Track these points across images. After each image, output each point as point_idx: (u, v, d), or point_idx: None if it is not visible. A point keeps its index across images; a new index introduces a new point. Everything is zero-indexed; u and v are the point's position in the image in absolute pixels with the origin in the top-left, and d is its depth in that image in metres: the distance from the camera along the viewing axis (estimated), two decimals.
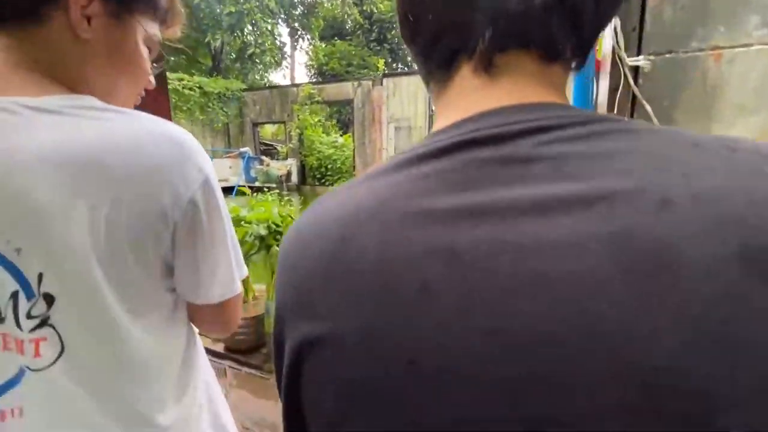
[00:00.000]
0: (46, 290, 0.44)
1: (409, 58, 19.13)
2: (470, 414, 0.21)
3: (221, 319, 0.61)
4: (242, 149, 12.42)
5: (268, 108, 13.69)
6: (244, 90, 14.06)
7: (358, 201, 0.28)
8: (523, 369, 0.20)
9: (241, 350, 1.03)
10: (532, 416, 0.20)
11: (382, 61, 12.39)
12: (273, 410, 1.01)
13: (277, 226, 0.93)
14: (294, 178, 13.35)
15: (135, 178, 0.44)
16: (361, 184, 0.30)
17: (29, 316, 0.44)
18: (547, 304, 0.20)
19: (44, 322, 0.45)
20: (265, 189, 9.96)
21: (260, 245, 0.90)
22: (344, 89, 12.25)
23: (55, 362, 0.46)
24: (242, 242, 0.91)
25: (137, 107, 0.55)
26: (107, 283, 0.46)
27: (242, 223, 0.97)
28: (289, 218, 0.96)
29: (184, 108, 12.12)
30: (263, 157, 12.69)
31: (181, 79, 11.95)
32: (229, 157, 12.99)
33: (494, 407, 0.20)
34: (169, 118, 1.02)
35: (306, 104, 12.61)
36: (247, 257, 0.92)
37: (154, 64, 0.58)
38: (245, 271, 0.63)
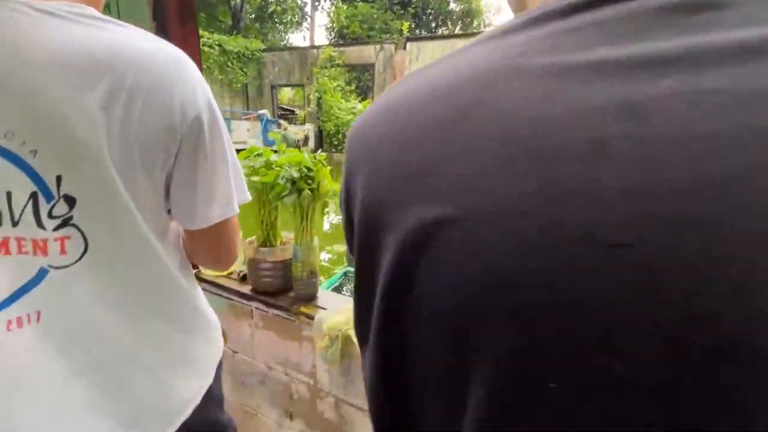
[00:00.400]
0: (66, 192, 0.45)
1: (433, 24, 18.28)
2: (656, 298, 0.17)
3: (219, 244, 0.62)
4: (260, 111, 12.34)
5: (287, 70, 13.44)
6: (264, 50, 13.79)
7: (482, 61, 0.23)
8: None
9: (268, 292, 1.06)
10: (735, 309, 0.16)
11: (406, 25, 11.89)
12: (297, 351, 1.04)
13: (309, 170, 0.92)
14: (311, 144, 13.29)
15: (144, 87, 0.45)
16: (474, 48, 0.25)
17: (51, 216, 0.45)
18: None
19: (66, 222, 0.46)
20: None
21: (292, 188, 0.89)
22: (365, 53, 11.87)
23: (80, 259, 0.47)
24: (274, 185, 0.91)
25: None
26: (124, 188, 0.47)
27: (273, 166, 0.96)
28: (321, 164, 0.95)
29: (204, 66, 11.96)
30: (281, 121, 12.61)
31: (201, 36, 11.76)
32: (247, 119, 12.96)
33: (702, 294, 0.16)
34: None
35: (326, 67, 12.32)
36: (278, 199, 0.92)
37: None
38: (248, 196, 0.63)
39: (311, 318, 0.98)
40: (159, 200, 0.53)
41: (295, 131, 12.44)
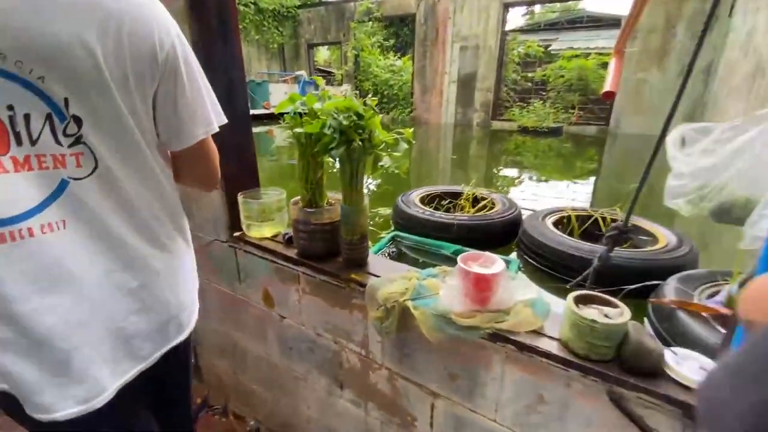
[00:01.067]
0: (73, 113, 0.52)
1: None
2: None
3: (205, 162, 0.72)
4: (297, 72, 12.18)
5: (323, 27, 12.99)
6: (299, 6, 13.36)
7: None
8: None
9: (314, 257, 0.99)
10: None
11: None
12: (347, 318, 0.98)
13: (359, 117, 0.80)
14: None
15: (128, 22, 0.52)
16: None
17: (65, 134, 0.53)
18: None
19: (78, 140, 0.54)
20: None
21: (340, 139, 0.78)
22: (405, 2, 11.12)
23: (92, 173, 0.56)
24: (320, 135, 0.80)
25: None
26: (126, 110, 0.56)
27: (319, 114, 0.84)
28: (372, 110, 0.82)
29: (240, 27, 11.87)
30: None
31: None
32: (284, 81, 12.86)
33: None
34: (237, 37, 1.04)
35: (363, 21, 11.74)
36: (325, 152, 0.81)
37: None
38: (224, 118, 0.70)
39: (362, 285, 0.89)
40: (152, 124, 0.61)
41: (334, 92, 12.20)
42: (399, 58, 13.81)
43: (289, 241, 1.08)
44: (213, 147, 0.73)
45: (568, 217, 2.81)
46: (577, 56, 10.96)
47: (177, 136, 0.64)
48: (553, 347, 0.68)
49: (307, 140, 0.86)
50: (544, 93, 11.46)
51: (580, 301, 0.68)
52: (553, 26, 14.02)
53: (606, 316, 0.65)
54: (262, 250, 1.10)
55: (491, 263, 0.77)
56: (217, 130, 0.68)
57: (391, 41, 15.00)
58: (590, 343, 0.63)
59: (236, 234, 1.16)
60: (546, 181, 5.39)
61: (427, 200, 3.32)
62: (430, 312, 0.75)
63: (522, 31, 13.28)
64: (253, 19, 12.13)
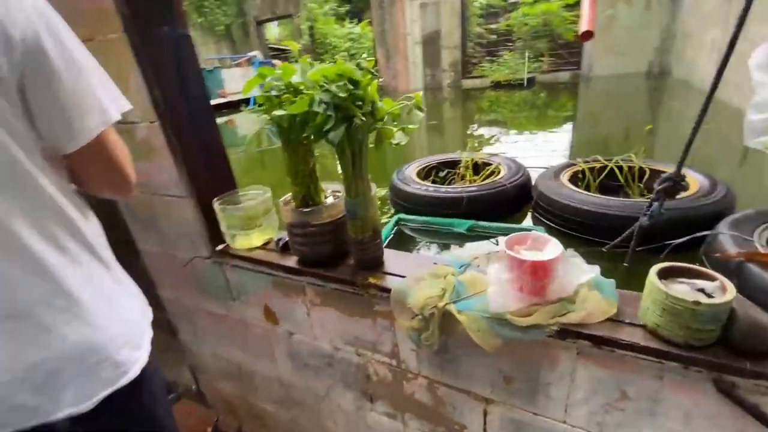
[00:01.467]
0: None
1: None
2: None
3: (108, 162, 0.60)
4: (251, 53, 11.51)
5: (270, 0, 12.19)
6: None
7: None
8: None
9: (319, 263, 0.85)
10: None
11: None
12: (369, 328, 0.85)
13: (354, 86, 0.63)
14: None
15: None
16: None
17: None
18: None
19: None
20: None
21: (336, 117, 0.61)
22: None
23: None
24: (309, 115, 0.63)
25: None
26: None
27: (302, 89, 0.67)
28: (369, 74, 0.66)
29: None
30: (275, 61, 11.76)
31: None
32: (237, 65, 12.16)
33: None
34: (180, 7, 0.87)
35: None
36: (320, 137, 0.64)
37: None
38: (125, 103, 0.60)
39: (385, 291, 0.76)
40: (24, 122, 0.51)
41: None
42: (356, 24, 13.21)
43: (284, 248, 0.93)
44: (118, 143, 0.62)
45: (582, 171, 2.56)
46: (538, 1, 10.72)
47: (66, 133, 0.53)
48: (637, 336, 0.57)
49: (292, 124, 0.69)
50: (510, 44, 11.24)
51: (662, 275, 0.57)
52: None
53: (703, 291, 0.53)
54: (253, 262, 0.95)
55: (542, 244, 0.65)
56: (118, 118, 0.58)
57: (346, 6, 14.31)
58: (691, 328, 0.52)
59: (219, 248, 1.00)
60: (532, 132, 5.31)
61: (424, 174, 3.07)
62: (479, 315, 0.63)
63: None
64: (192, 1, 11.25)
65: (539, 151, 4.48)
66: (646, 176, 2.33)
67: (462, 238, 2.15)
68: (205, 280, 1.10)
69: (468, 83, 10.44)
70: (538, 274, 0.61)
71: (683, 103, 5.59)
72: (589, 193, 2.20)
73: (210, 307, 1.16)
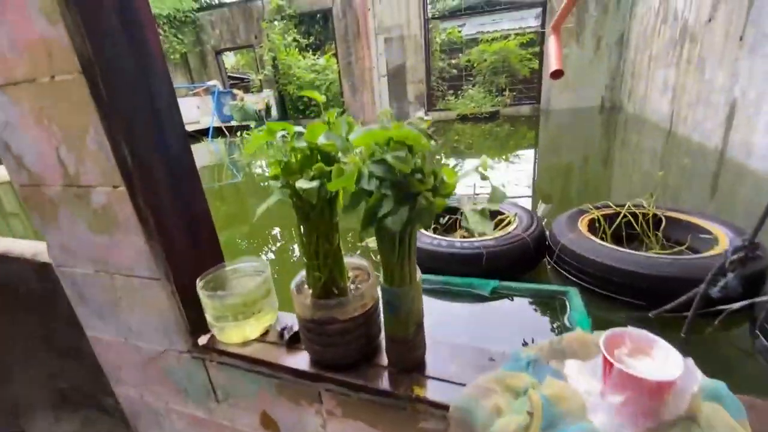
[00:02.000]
0: None
1: None
2: None
3: None
4: (209, 83, 11.24)
5: (230, 30, 12.12)
6: (198, 10, 12.32)
7: None
8: None
9: (342, 365, 0.67)
10: None
11: None
12: None
13: (411, 153, 0.49)
14: (274, 112, 12.34)
15: None
16: None
17: None
18: None
19: None
20: (237, 129, 9.08)
21: (394, 195, 0.46)
22: None
23: None
24: (357, 194, 0.48)
25: None
26: None
27: (334, 157, 0.52)
28: (427, 137, 0.52)
29: None
30: (235, 91, 11.54)
31: None
32: (195, 94, 11.82)
33: None
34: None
35: (275, 20, 11.13)
36: (371, 221, 0.48)
37: None
38: None
39: (439, 407, 0.59)
40: None
41: (254, 101, 11.49)
42: (319, 56, 13.40)
43: (293, 340, 0.74)
44: None
45: (597, 219, 2.36)
46: (495, 39, 11.45)
47: None
48: None
49: (323, 201, 0.53)
50: (471, 78, 11.83)
51: None
52: (471, 11, 14.56)
53: None
54: (248, 361, 0.75)
55: (647, 346, 0.52)
56: None
57: (310, 38, 14.52)
58: None
59: (202, 341, 0.79)
60: (499, 160, 5.44)
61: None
62: None
63: (440, 17, 13.60)
64: None
65: (508, 178, 4.57)
66: (663, 225, 2.27)
67: (479, 299, 1.98)
68: (180, 375, 0.87)
69: (435, 115, 10.76)
70: (662, 395, 0.48)
71: (638, 136, 5.99)
72: (624, 249, 1.92)
73: (185, 408, 0.92)
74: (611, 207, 2.42)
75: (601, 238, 2.24)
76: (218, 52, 12.74)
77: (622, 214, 2.29)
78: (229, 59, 22.03)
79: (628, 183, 4.18)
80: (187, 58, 12.56)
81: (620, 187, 4.10)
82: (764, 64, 3.36)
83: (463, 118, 9.63)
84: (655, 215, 2.25)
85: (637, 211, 2.29)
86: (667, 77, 5.80)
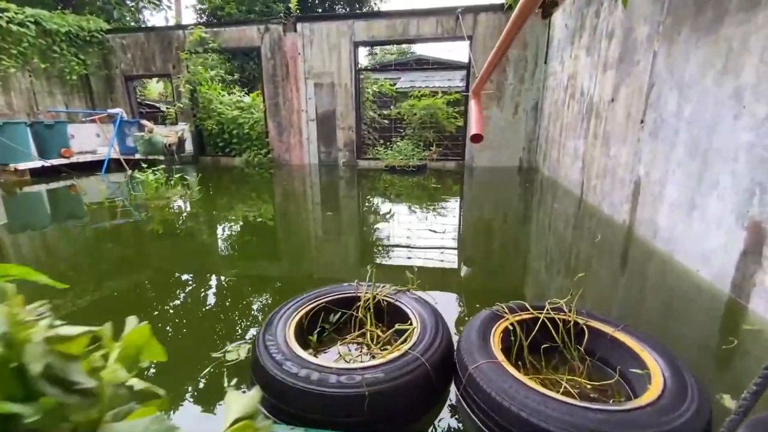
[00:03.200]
0: None
1: (319, 8, 17.25)
2: None
3: None
4: (113, 110, 9.96)
5: (144, 56, 11.10)
6: (108, 31, 11.19)
7: None
8: None
9: None
10: None
11: (294, 1, 10.66)
12: None
13: None
14: (188, 147, 11.27)
15: None
16: None
17: None
18: None
19: None
20: (142, 163, 7.96)
21: None
22: (247, 34, 10.35)
23: None
24: None
25: None
26: None
27: None
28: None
29: (14, 51, 9.12)
30: (143, 121, 10.36)
31: (5, 10, 8.88)
32: (92, 121, 10.40)
33: None
34: None
35: (197, 52, 10.44)
36: None
37: None
38: None
39: None
40: None
41: (165, 133, 10.39)
42: (246, 93, 12.82)
43: None
44: None
45: (513, 329, 1.86)
46: (425, 96, 11.95)
47: None
48: None
49: None
50: (402, 130, 12.07)
51: None
52: (401, 68, 15.27)
53: None
54: None
55: None
56: None
57: (235, 75, 13.93)
58: None
59: None
60: (424, 210, 5.23)
61: (309, 320, 2.03)
62: None
63: (373, 69, 14.01)
64: (35, 43, 9.51)
65: (430, 231, 4.29)
66: (586, 337, 1.98)
67: None
68: None
69: (363, 163, 10.59)
70: None
71: (553, 198, 6.24)
72: (546, 392, 1.42)
73: None
74: (528, 310, 2.06)
75: (517, 357, 1.81)
76: (129, 78, 11.55)
77: (540, 321, 1.94)
78: (158, 87, 20.41)
79: (545, 249, 4.10)
80: (89, 80, 11.17)
81: (539, 254, 4.00)
82: (665, 147, 3.52)
83: (392, 169, 9.56)
84: (576, 323, 1.94)
85: (556, 317, 1.96)
86: (577, 147, 6.17)
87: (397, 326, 2.01)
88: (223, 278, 3.32)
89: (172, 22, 18.87)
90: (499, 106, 9.28)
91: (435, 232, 4.53)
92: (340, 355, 1.99)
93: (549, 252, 3.91)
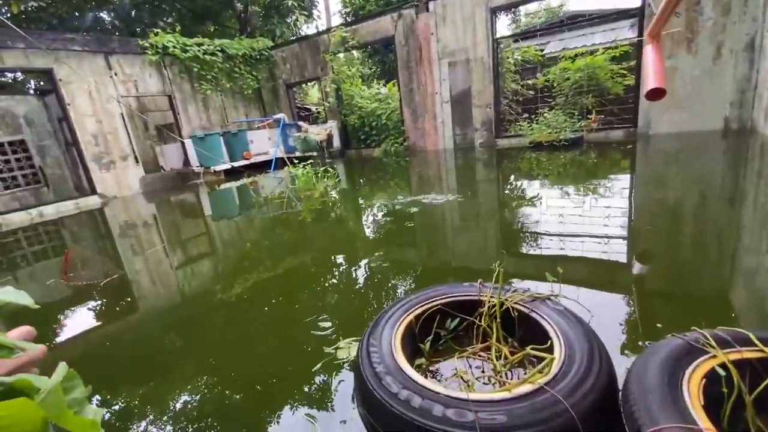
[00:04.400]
0: None
1: None
2: None
3: None
4: (276, 116, 11.60)
5: (299, 64, 12.54)
6: (273, 48, 13.03)
7: None
8: None
9: None
10: None
11: None
12: None
13: None
14: (336, 143, 12.31)
15: None
16: None
17: None
18: None
19: None
20: (295, 160, 9.03)
21: None
22: (382, 25, 10.55)
23: None
24: None
25: None
26: None
27: None
28: None
29: (209, 76, 11.45)
30: (300, 123, 11.76)
31: (200, 44, 11.20)
32: (263, 126, 12.30)
33: None
34: None
35: (339, 51, 11.19)
36: None
37: None
38: None
39: None
40: None
41: (316, 131, 11.54)
42: (383, 84, 13.21)
43: None
44: None
45: (718, 372, 1.17)
46: (581, 55, 10.10)
47: None
48: None
49: None
50: (551, 100, 10.53)
51: None
52: (548, 29, 13.36)
53: None
54: None
55: None
56: None
57: (375, 69, 14.50)
58: None
59: None
60: (579, 193, 4.30)
61: (422, 327, 1.72)
62: None
63: (513, 36, 12.61)
64: (222, 67, 11.73)
65: (590, 223, 3.41)
66: None
67: None
68: None
69: (503, 142, 9.66)
70: None
71: None
72: None
73: None
74: (754, 343, 1.23)
75: (732, 422, 1.07)
76: (288, 86, 13.25)
77: None
78: (316, 92, 23.26)
79: None
80: (260, 92, 13.26)
81: (757, 246, 2.76)
82: None
83: (537, 146, 8.41)
84: None
85: None
86: None
87: (530, 349, 1.52)
88: (351, 266, 3.33)
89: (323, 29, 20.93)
90: (690, 49, 7.07)
91: (593, 217, 3.64)
92: (456, 372, 1.64)
93: None
